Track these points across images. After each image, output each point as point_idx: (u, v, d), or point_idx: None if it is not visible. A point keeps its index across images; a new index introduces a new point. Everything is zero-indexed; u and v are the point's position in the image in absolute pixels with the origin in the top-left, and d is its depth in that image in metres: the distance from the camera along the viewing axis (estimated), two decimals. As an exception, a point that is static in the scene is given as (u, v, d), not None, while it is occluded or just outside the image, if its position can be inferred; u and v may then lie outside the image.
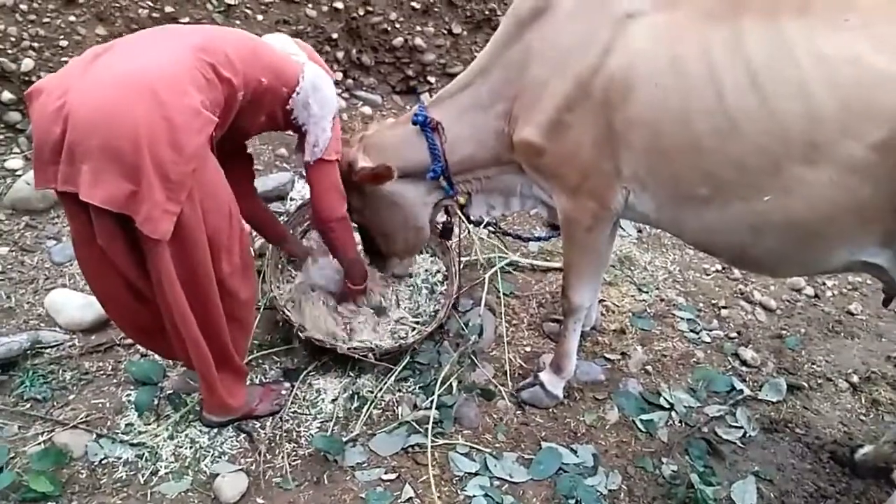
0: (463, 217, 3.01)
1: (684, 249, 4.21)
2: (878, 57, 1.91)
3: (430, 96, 4.83)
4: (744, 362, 3.36)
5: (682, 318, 3.62)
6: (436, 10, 4.63)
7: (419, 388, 2.96)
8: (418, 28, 4.66)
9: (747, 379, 3.26)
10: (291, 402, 2.83)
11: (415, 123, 2.64)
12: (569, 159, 2.42)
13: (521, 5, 2.45)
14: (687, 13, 2.18)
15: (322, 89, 2.49)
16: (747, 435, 2.96)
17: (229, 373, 2.51)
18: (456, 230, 3.26)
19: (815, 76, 1.97)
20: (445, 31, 4.74)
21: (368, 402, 2.84)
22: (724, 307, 3.76)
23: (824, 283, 4.04)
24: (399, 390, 2.95)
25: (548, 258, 3.88)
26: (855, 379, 3.32)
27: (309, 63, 2.52)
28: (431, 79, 4.88)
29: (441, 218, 3.14)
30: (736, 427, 2.98)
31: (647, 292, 3.79)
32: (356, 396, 2.89)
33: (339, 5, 4.38)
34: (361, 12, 4.46)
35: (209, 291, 2.21)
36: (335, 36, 4.48)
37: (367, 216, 2.94)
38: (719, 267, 4.09)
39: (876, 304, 3.88)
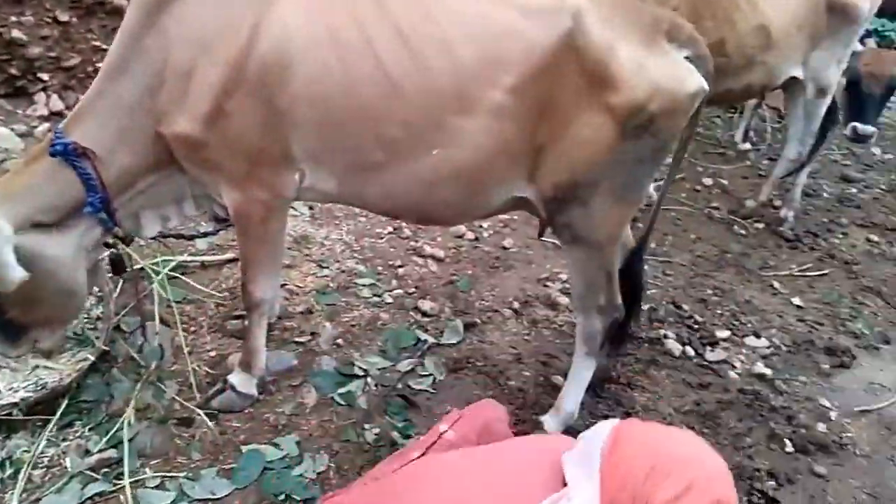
0: (125, 246, 2.66)
1: (357, 218, 4.31)
2: (501, 11, 2.16)
3: (49, 98, 4.20)
4: (424, 314, 3.57)
5: (364, 286, 3.71)
6: (31, -5, 3.99)
7: (90, 430, 2.60)
8: (13, 18, 3.97)
9: (429, 328, 3.47)
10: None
11: (54, 154, 2.19)
12: (233, 148, 2.28)
13: None
14: None
15: None
16: (437, 380, 3.15)
17: None
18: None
19: (453, 32, 2.15)
20: (50, 20, 4.11)
21: (26, 465, 2.41)
22: (401, 266, 3.94)
23: (481, 226, 4.46)
24: (64, 440, 2.54)
25: (219, 252, 3.67)
26: (516, 305, 3.74)
27: None
28: (44, 76, 4.21)
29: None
30: (426, 376, 3.16)
31: (327, 267, 3.81)
32: (8, 462, 2.42)
33: None
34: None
35: None
36: None
37: None
38: (391, 228, 4.27)
39: (524, 236, 4.42)
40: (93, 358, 2.74)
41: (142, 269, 3.27)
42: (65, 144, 2.21)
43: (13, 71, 4.10)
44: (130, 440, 2.56)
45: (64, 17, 4.13)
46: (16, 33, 3.98)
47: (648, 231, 2.80)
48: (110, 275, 2.93)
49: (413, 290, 3.76)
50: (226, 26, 2.17)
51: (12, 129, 3.91)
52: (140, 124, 2.31)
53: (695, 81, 2.22)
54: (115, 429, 2.58)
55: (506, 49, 2.15)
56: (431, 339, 3.37)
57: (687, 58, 2.24)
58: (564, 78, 2.15)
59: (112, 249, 2.64)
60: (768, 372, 3.50)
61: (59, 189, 2.25)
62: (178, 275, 3.42)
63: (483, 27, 2.16)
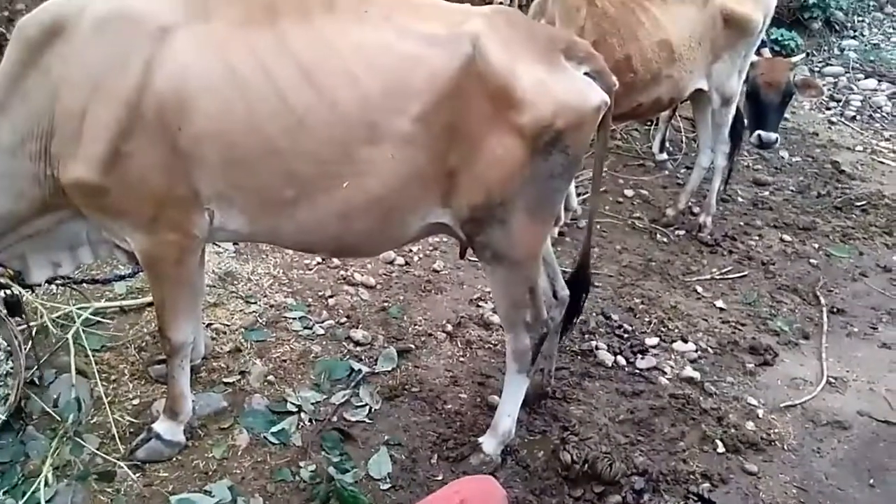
0: (19, 285, 2.55)
1: (284, 251, 4.23)
2: (402, 41, 2.17)
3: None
4: (357, 343, 3.52)
5: (294, 319, 3.64)
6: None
7: (4, 493, 2.47)
8: None
9: (363, 357, 3.43)
10: None
11: None
12: (136, 192, 2.22)
13: (27, 26, 2.15)
14: (223, 22, 2.16)
15: None
16: (373, 409, 3.11)
17: None
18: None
19: (357, 64, 2.14)
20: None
21: (-70, 540, 2.25)
22: (331, 296, 3.89)
23: (411, 251, 4.45)
24: (-26, 507, 2.40)
25: (138, 296, 3.54)
26: (449, 328, 3.74)
27: None
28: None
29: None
30: (361, 406, 3.11)
31: (255, 303, 3.72)
32: (-89, 538, 2.27)
33: None
34: None
35: None
36: None
37: None
38: (319, 259, 4.21)
39: (455, 258, 4.42)
40: (4, 416, 2.61)
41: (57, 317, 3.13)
42: None
43: None
44: (49, 501, 2.44)
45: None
46: None
47: (587, 249, 2.87)
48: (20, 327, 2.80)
49: (344, 319, 3.71)
50: (116, 65, 2.12)
51: None
52: (22, 169, 2.24)
53: (596, 96, 2.29)
54: (31, 490, 2.46)
55: (409, 78, 2.17)
56: (365, 369, 3.33)
57: (587, 73, 2.31)
58: (470, 103, 2.19)
59: (5, 290, 2.54)
60: (697, 375, 3.59)
61: None
62: (95, 321, 3.28)
63: (385, 58, 2.17)
